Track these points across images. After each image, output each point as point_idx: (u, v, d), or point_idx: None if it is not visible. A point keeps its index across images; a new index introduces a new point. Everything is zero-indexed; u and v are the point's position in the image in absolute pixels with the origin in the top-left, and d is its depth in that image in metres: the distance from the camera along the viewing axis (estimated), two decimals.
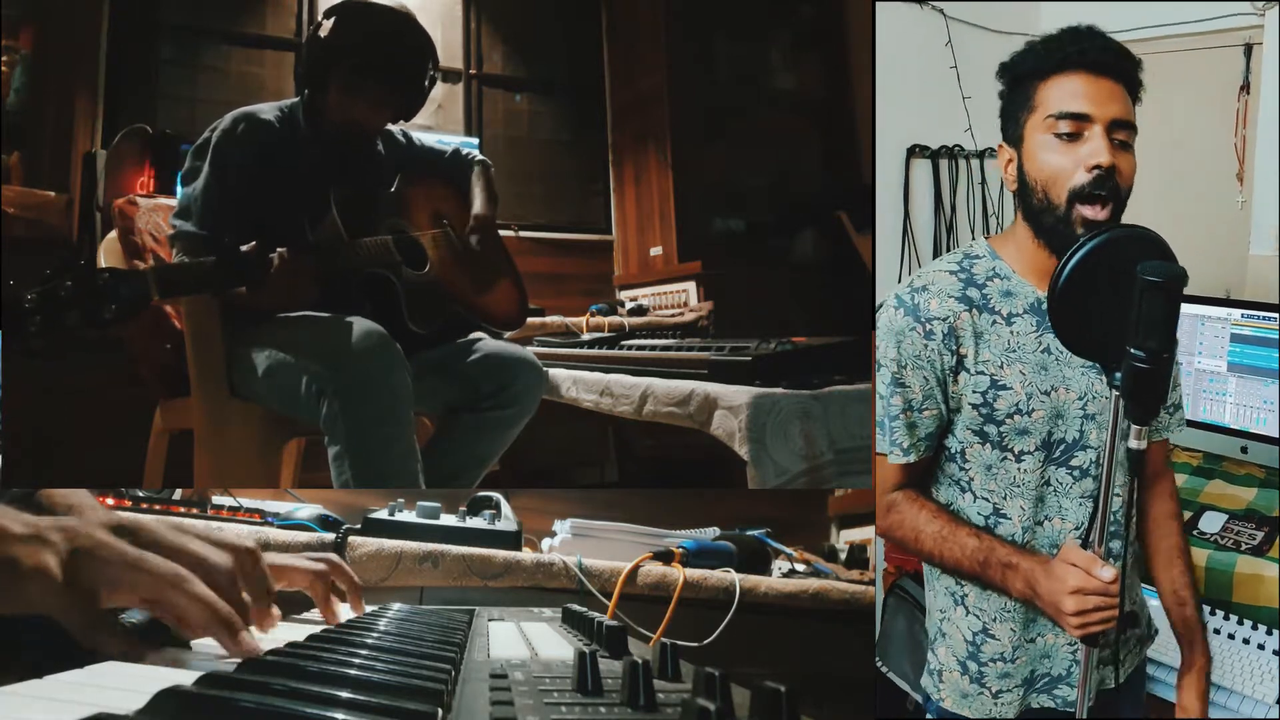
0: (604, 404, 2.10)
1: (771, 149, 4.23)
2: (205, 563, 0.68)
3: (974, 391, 1.19)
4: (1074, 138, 1.15)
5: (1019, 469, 1.20)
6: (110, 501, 1.67)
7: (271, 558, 0.88)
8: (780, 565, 2.14)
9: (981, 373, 1.19)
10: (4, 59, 2.96)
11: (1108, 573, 1.08)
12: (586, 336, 2.84)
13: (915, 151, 2.84)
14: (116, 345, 2.01)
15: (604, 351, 2.39)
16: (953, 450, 1.23)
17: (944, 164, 2.89)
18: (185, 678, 0.45)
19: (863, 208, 3.56)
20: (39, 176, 2.96)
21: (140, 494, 1.76)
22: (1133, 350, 0.98)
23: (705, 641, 1.76)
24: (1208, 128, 2.62)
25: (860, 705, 1.58)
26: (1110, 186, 1.14)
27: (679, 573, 1.83)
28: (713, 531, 2.23)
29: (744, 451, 1.63)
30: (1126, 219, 1.16)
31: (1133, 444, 1.05)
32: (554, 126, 4.23)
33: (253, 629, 0.66)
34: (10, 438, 2.22)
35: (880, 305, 1.25)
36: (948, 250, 2.96)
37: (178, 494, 1.84)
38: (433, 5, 3.86)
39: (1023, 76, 1.21)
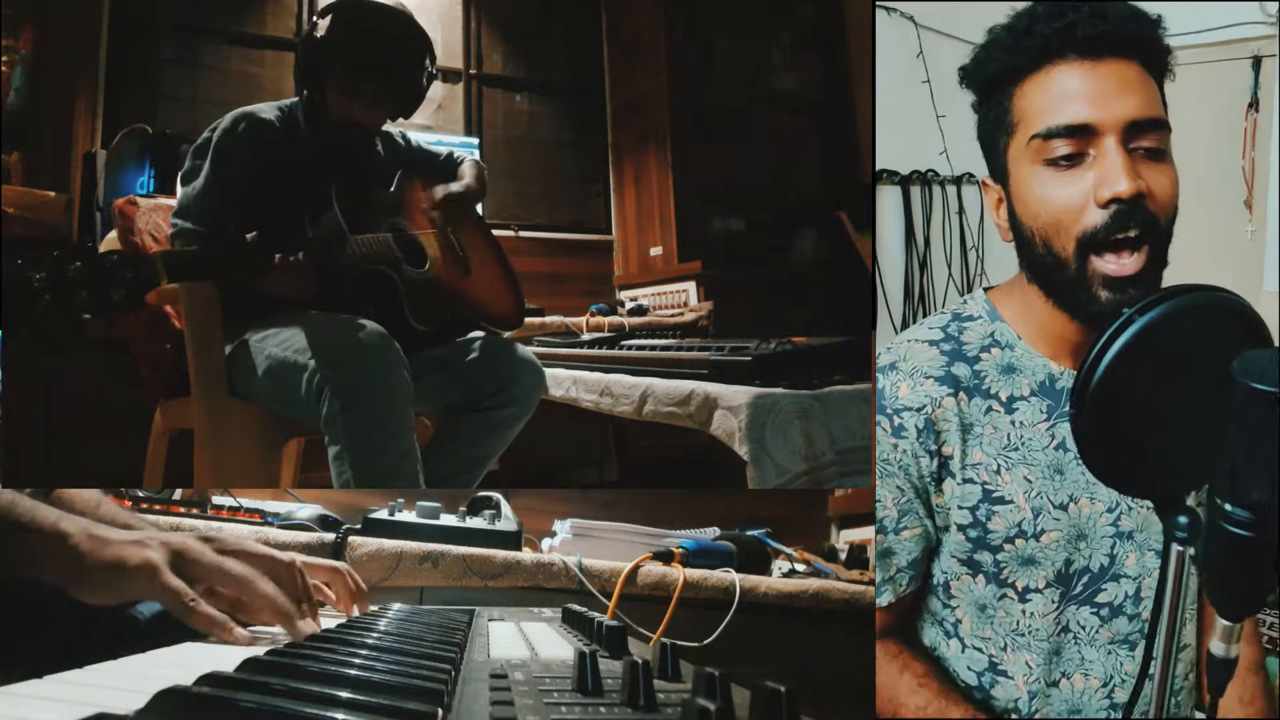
0: (604, 404, 2.10)
1: (771, 149, 4.23)
2: (272, 561, 0.84)
3: (961, 507, 0.89)
4: (1075, 159, 0.83)
5: (1024, 612, 0.90)
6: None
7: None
8: (780, 565, 2.14)
9: (971, 480, 0.88)
10: (4, 59, 2.96)
11: None
12: (586, 336, 2.84)
13: (882, 177, 2.51)
14: (117, 344, 2.01)
15: (604, 351, 2.39)
16: (935, 581, 0.94)
17: (915, 191, 2.55)
18: (185, 677, 0.45)
19: (863, 208, 3.56)
20: (39, 176, 2.96)
21: (140, 494, 1.76)
22: (1227, 506, 0.60)
23: (705, 641, 1.75)
24: (1211, 148, 2.33)
25: (860, 705, 1.58)
26: (1141, 220, 0.82)
27: (679, 573, 1.83)
28: (713, 531, 2.23)
29: (744, 451, 1.63)
30: None
31: (1218, 649, 0.68)
32: (554, 126, 4.23)
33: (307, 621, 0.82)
34: (10, 437, 2.22)
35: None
36: (920, 291, 2.58)
37: (178, 494, 1.84)
38: (433, 5, 3.86)
39: (994, 82, 0.90)
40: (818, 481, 1.66)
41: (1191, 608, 0.96)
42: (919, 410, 0.88)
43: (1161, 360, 0.68)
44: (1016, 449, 0.89)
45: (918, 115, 2.42)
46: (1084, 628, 0.90)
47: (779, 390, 1.69)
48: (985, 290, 0.96)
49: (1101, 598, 0.90)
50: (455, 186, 1.95)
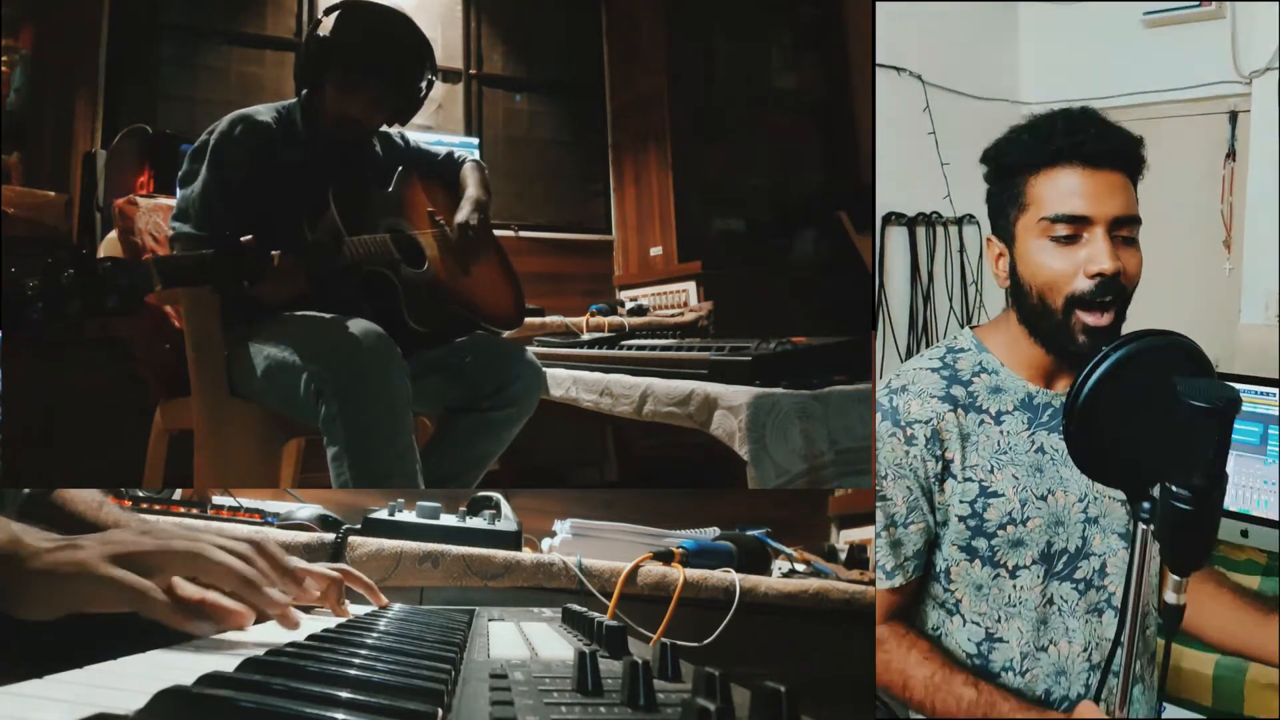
0: (604, 404, 2.10)
1: (771, 149, 4.23)
2: (222, 546, 0.76)
3: (961, 501, 1.09)
4: (1072, 239, 1.07)
5: (1014, 586, 1.09)
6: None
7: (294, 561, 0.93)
8: (780, 565, 2.14)
9: (970, 479, 1.09)
10: (4, 59, 2.96)
11: None
12: (586, 336, 2.84)
13: (891, 219, 2.77)
14: (117, 345, 2.01)
15: (604, 351, 2.39)
16: (937, 569, 1.12)
17: (921, 231, 2.81)
18: (185, 677, 0.45)
19: (863, 208, 3.56)
20: (39, 176, 2.96)
21: (140, 494, 1.76)
22: (1174, 488, 0.83)
23: (705, 641, 1.75)
24: (1194, 194, 2.59)
25: (860, 705, 1.58)
26: (1115, 291, 1.05)
27: (679, 573, 1.83)
28: (713, 531, 2.23)
29: (744, 451, 1.63)
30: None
31: (1170, 598, 0.90)
32: (554, 126, 4.23)
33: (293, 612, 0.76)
34: (11, 437, 2.22)
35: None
36: (924, 323, 2.92)
37: (178, 494, 1.84)
38: (433, 5, 3.86)
39: (1010, 169, 1.12)
40: (818, 481, 1.66)
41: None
42: (927, 423, 1.09)
43: (1130, 384, 0.89)
44: (1005, 453, 1.10)
45: (924, 163, 2.70)
46: (1066, 600, 1.10)
47: (779, 390, 1.69)
48: (972, 328, 1.19)
49: (1078, 574, 1.10)
50: (467, 214, 1.94)
